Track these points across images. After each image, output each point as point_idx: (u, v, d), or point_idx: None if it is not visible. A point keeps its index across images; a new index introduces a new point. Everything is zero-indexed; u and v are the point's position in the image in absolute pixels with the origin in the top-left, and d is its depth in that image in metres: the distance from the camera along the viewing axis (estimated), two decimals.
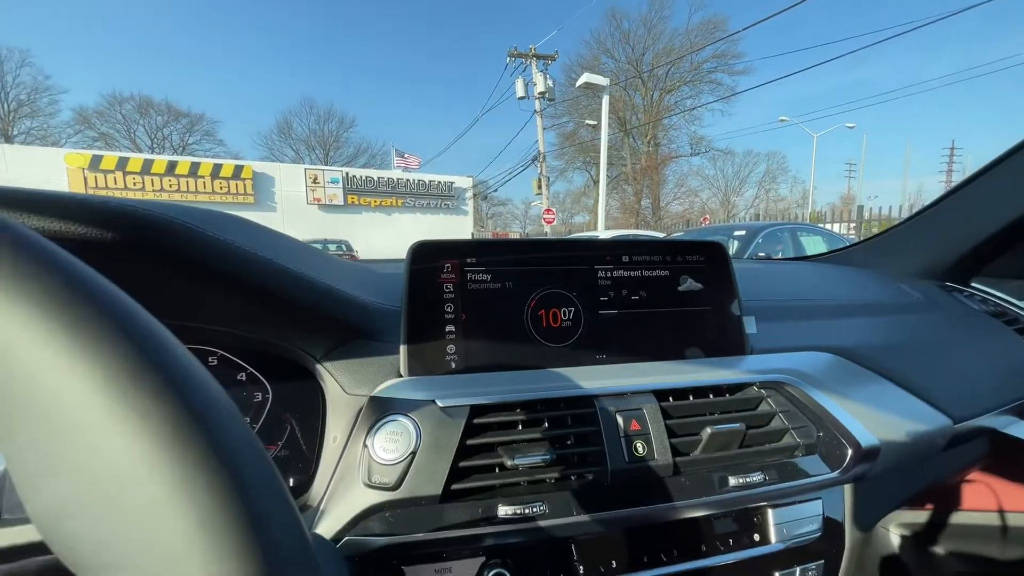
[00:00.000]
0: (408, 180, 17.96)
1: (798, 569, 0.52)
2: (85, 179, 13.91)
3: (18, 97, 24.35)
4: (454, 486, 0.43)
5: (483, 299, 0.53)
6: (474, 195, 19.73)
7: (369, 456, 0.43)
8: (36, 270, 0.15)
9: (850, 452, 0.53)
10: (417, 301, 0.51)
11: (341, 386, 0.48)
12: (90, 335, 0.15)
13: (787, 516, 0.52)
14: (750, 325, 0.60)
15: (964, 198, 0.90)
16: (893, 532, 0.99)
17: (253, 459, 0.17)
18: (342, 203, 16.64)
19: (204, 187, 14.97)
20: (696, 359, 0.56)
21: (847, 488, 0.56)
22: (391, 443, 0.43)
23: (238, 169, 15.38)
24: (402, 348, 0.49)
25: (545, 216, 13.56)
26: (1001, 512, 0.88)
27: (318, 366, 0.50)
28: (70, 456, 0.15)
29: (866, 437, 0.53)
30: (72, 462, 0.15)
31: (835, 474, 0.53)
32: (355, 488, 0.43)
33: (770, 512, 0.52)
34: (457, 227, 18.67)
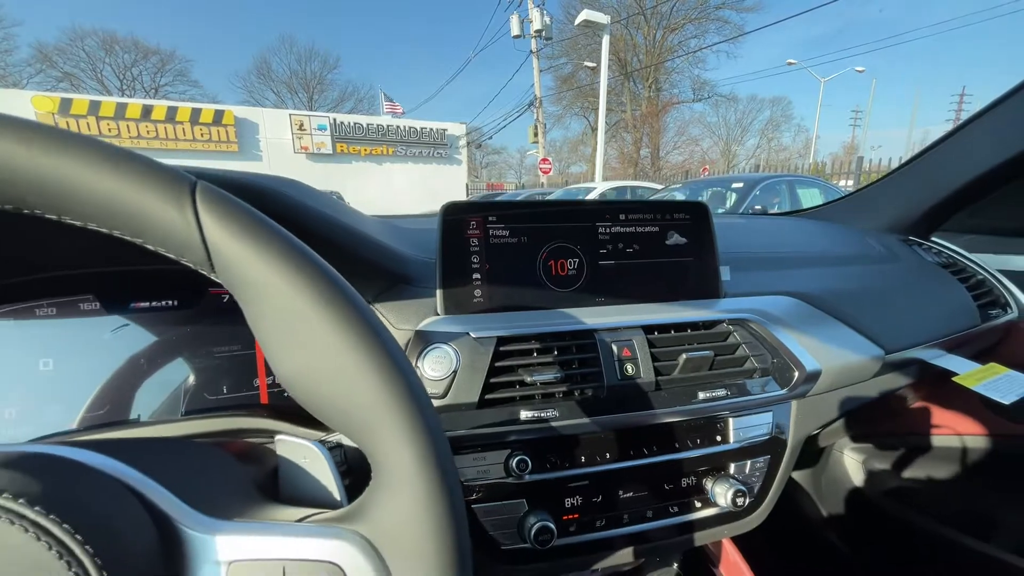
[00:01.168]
0: (399, 127, 17.31)
1: (748, 462, 0.67)
2: (56, 124, 13.25)
3: None
4: (486, 396, 0.56)
5: (503, 251, 0.64)
6: (468, 143, 19.16)
7: (421, 374, 0.55)
8: (273, 239, 0.26)
9: (796, 374, 0.66)
10: (449, 253, 0.61)
11: (390, 322, 0.60)
12: (311, 277, 0.26)
13: (743, 423, 0.66)
14: (725, 273, 0.71)
15: (928, 161, 0.99)
16: (848, 456, 1.17)
17: (396, 345, 0.28)
18: (331, 151, 16.08)
19: (184, 134, 14.19)
20: (678, 301, 0.68)
21: (793, 403, 0.70)
22: (437, 364, 0.55)
23: (219, 114, 14.57)
24: (438, 292, 0.60)
25: (541, 166, 13.32)
26: (935, 436, 1.05)
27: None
28: (302, 340, 0.26)
29: (810, 363, 0.67)
30: (303, 343, 0.26)
31: (783, 391, 0.67)
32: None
33: (731, 420, 0.66)
34: (451, 177, 18.23)
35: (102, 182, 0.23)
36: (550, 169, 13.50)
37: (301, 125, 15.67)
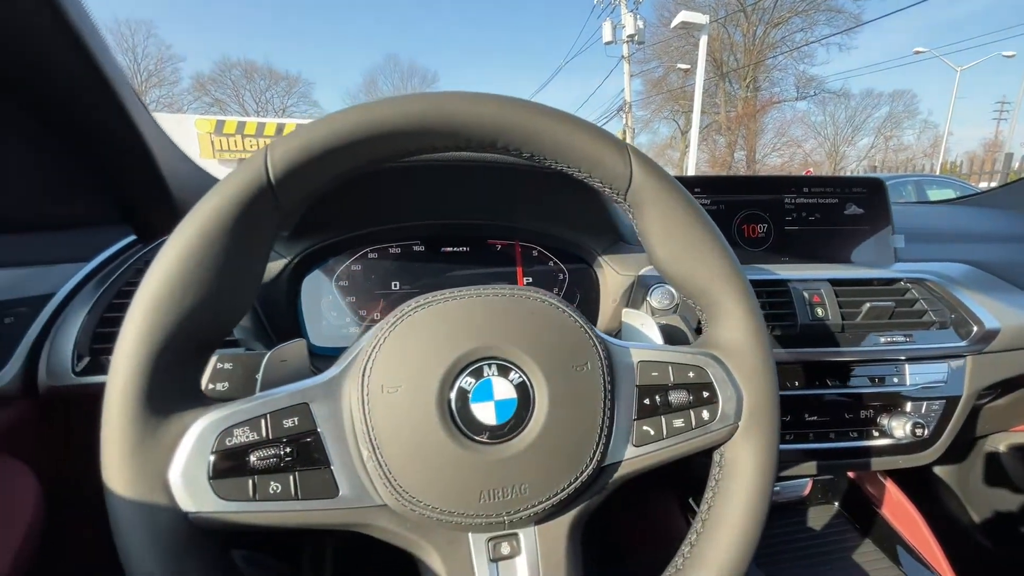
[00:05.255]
0: None
1: (924, 403, 0.76)
2: (212, 143, 15.86)
3: (147, 68, 27.74)
4: (699, 325, 0.72)
5: None
6: None
7: (649, 304, 0.73)
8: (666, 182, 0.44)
9: (975, 329, 0.74)
10: None
11: (615, 270, 0.78)
12: (685, 200, 0.44)
13: (920, 369, 0.75)
14: (899, 241, 0.81)
15: None
16: (1006, 450, 1.15)
17: (726, 241, 0.46)
18: None
19: None
20: (856, 262, 0.79)
21: (969, 359, 0.77)
22: (663, 298, 0.73)
23: None
24: None
25: None
26: None
27: (599, 258, 0.80)
28: (682, 230, 0.44)
29: (990, 320, 0.74)
30: (675, 238, 0.44)
31: (963, 343, 0.75)
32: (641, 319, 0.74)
33: (907, 365, 0.75)
34: None
35: (590, 143, 0.43)
36: None
37: None
